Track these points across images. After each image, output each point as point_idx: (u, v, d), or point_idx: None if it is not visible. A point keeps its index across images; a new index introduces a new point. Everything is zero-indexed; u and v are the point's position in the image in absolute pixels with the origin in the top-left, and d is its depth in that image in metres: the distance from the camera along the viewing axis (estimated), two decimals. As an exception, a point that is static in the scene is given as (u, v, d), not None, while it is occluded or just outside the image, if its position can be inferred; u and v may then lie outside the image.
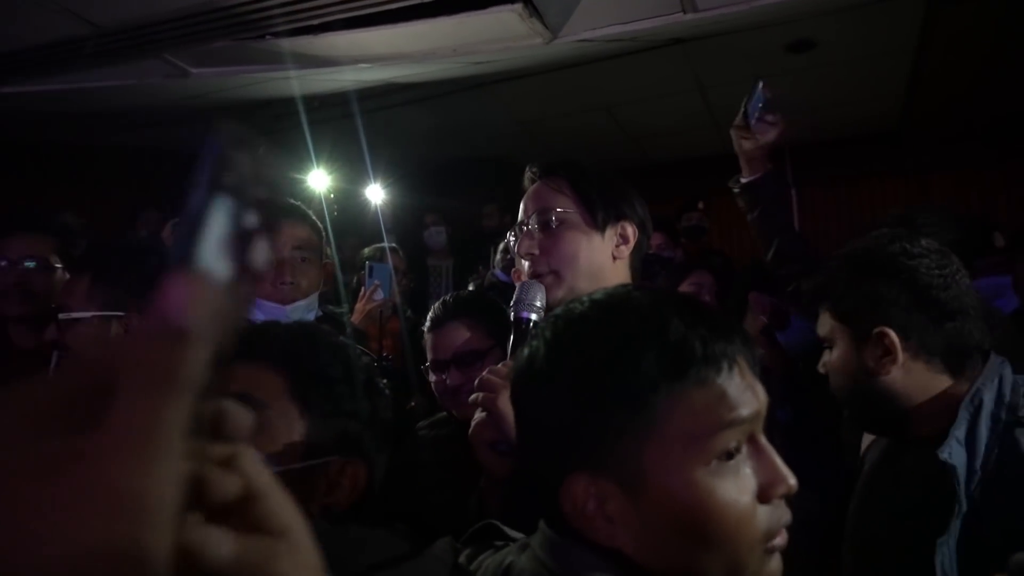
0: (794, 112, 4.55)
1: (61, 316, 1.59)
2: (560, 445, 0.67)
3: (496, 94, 4.22)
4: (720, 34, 3.38)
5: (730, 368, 0.65)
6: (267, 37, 2.58)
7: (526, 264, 1.38)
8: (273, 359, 0.90)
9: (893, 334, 1.18)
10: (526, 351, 0.72)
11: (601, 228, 1.37)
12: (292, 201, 1.75)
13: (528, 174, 1.47)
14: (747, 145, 2.09)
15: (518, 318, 1.29)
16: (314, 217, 1.73)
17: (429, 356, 1.69)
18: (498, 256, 4.20)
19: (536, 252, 1.35)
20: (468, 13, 2.25)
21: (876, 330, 1.19)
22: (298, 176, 3.73)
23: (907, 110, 4.36)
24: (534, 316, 1.29)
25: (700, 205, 4.03)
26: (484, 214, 4.85)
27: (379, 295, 2.49)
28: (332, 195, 3.86)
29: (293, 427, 0.87)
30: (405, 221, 4.89)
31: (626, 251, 1.39)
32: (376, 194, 4.54)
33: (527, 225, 1.39)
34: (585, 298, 0.72)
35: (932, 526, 1.10)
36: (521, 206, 1.44)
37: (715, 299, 2.51)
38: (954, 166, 4.57)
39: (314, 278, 1.70)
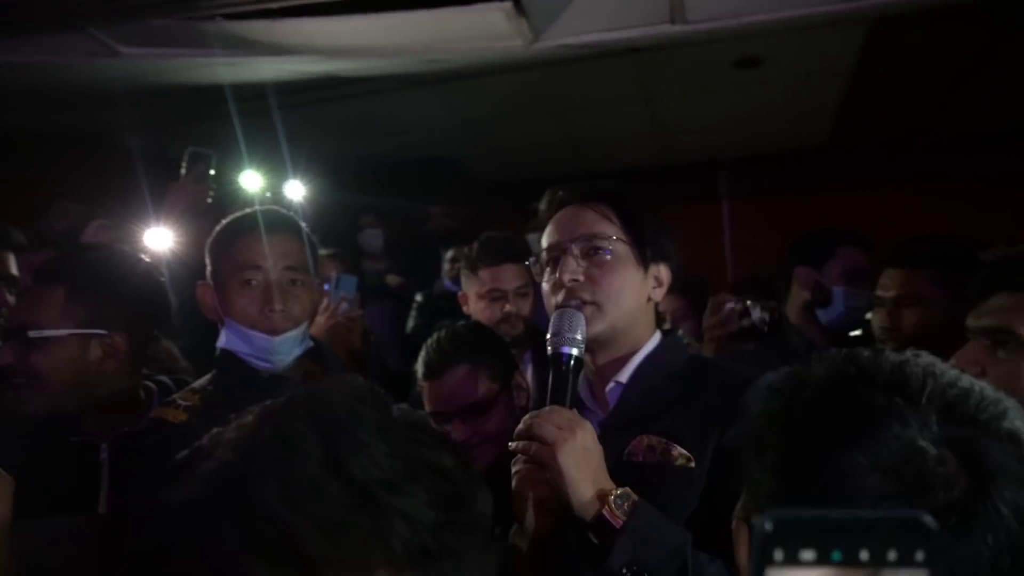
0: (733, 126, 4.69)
1: (32, 334, 1.35)
2: None
3: (443, 92, 4.06)
4: (674, 46, 3.38)
5: None
6: (217, 19, 2.32)
7: (559, 294, 1.28)
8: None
9: None
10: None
11: (645, 266, 1.30)
12: (282, 210, 1.52)
13: (556, 195, 1.37)
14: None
15: (557, 354, 1.19)
16: (307, 230, 1.51)
17: (428, 407, 1.57)
18: (447, 265, 4.05)
19: (581, 279, 1.26)
20: (451, 8, 2.09)
21: None
22: (233, 169, 3.42)
23: (839, 129, 4.54)
24: (575, 351, 1.19)
25: None
26: (432, 215, 4.62)
27: (344, 308, 2.28)
28: (268, 192, 3.56)
29: None
30: (334, 222, 4.60)
31: (659, 295, 1.33)
32: (296, 191, 4.13)
33: (567, 250, 1.28)
34: None
35: None
36: (555, 228, 1.33)
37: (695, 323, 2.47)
38: (880, 185, 4.80)
39: (307, 303, 1.48)
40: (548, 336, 1.21)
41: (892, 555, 0.34)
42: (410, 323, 3.92)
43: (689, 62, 3.76)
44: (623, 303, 1.26)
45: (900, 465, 0.51)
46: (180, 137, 2.30)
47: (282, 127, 3.93)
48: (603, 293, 1.25)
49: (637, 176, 5.46)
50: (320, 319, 2.32)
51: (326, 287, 2.40)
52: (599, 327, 1.24)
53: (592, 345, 1.26)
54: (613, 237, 1.27)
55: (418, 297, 3.95)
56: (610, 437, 1.19)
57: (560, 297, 1.27)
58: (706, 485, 1.12)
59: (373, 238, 4.51)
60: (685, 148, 5.07)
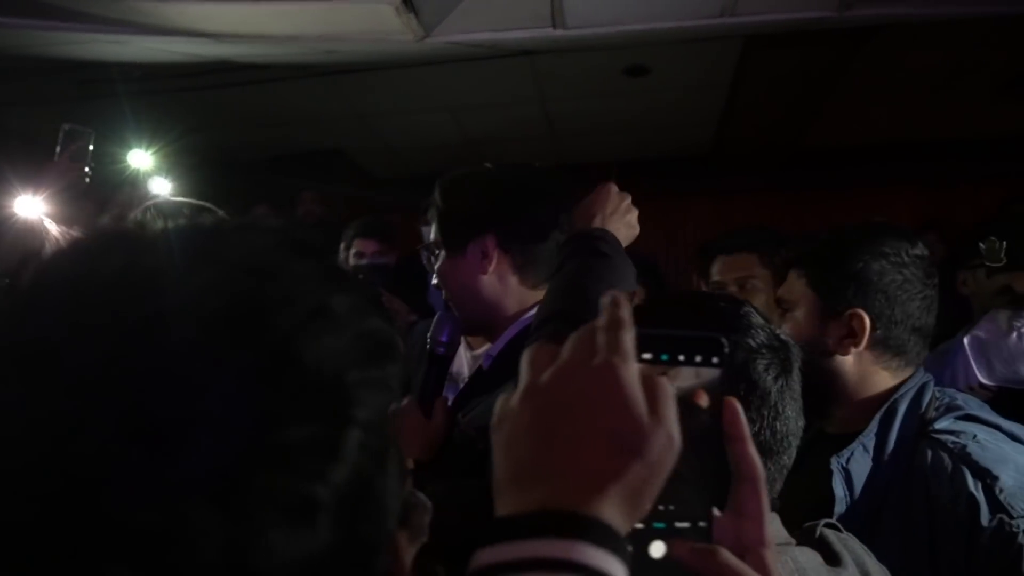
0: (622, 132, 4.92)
1: None
2: None
3: (338, 84, 4.05)
4: (567, 50, 3.53)
5: None
6: (99, -6, 2.26)
7: None
8: None
9: (867, 319, 1.16)
10: None
11: (461, 249, 1.31)
12: None
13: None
14: None
15: (430, 354, 1.34)
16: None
17: None
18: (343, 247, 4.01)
19: (435, 281, 1.39)
20: (343, 0, 2.14)
21: (850, 311, 1.18)
22: (115, 153, 3.29)
23: (718, 138, 4.86)
24: (439, 350, 1.33)
25: None
26: (299, 202, 4.36)
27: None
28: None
29: None
30: (227, 213, 4.46)
31: (488, 266, 1.29)
32: (162, 187, 3.75)
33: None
34: None
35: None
36: None
37: None
38: (752, 191, 5.17)
39: None
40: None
41: (698, 358, 0.52)
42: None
43: (582, 66, 3.94)
44: (466, 295, 1.31)
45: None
46: (54, 117, 2.21)
47: (166, 112, 3.80)
48: (448, 293, 1.35)
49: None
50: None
51: None
52: (461, 318, 1.35)
53: (465, 332, 1.39)
54: (431, 239, 1.35)
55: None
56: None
57: None
58: None
59: (267, 229, 4.40)
60: (580, 150, 5.27)
